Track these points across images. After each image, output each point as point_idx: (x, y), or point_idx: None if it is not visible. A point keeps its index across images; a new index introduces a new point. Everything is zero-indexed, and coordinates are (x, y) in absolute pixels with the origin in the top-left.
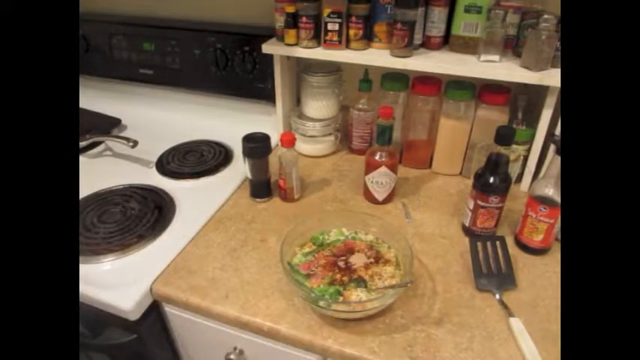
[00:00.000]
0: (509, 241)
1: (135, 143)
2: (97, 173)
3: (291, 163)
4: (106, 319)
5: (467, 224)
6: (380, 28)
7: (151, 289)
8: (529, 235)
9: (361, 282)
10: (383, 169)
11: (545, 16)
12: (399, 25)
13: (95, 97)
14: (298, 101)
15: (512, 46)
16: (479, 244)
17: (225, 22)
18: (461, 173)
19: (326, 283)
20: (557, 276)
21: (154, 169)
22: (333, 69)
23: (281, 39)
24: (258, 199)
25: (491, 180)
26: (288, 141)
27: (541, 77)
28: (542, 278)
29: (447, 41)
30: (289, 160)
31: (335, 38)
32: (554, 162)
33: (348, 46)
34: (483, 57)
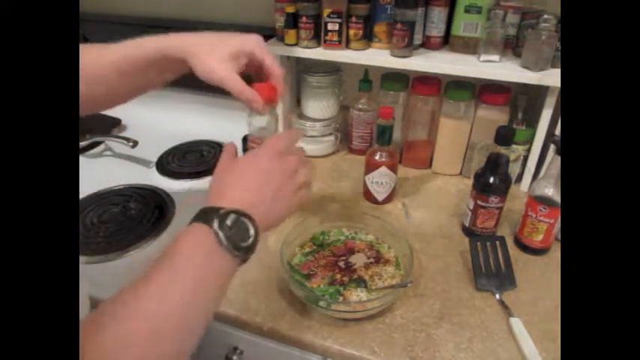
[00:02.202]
0: (509, 241)
1: (135, 143)
2: (97, 173)
3: (272, 128)
4: None
5: (467, 224)
6: (380, 28)
7: None
8: (529, 235)
9: (361, 282)
10: (383, 169)
11: (545, 16)
12: (399, 25)
13: None
14: (298, 101)
15: (512, 46)
16: (479, 244)
17: (225, 22)
18: (461, 173)
19: (326, 283)
20: (557, 276)
21: (154, 169)
22: (333, 69)
23: (281, 39)
24: None
25: (491, 180)
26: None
27: (541, 77)
28: (542, 278)
29: (447, 41)
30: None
31: (335, 38)
32: (554, 162)
33: (348, 46)
34: (483, 57)
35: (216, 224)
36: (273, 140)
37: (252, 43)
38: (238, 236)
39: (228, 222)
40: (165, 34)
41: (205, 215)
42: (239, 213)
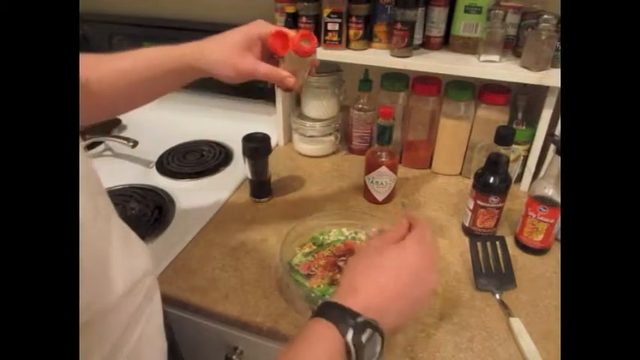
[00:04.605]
0: (509, 241)
1: (135, 143)
2: (97, 173)
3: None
4: None
5: (467, 224)
6: (380, 28)
7: None
8: (529, 235)
9: None
10: (383, 169)
11: (545, 16)
12: (399, 25)
13: None
14: (298, 101)
15: (512, 46)
16: (479, 244)
17: (225, 23)
18: (461, 173)
19: (326, 283)
20: (557, 276)
21: (154, 169)
22: (333, 69)
23: None
24: (258, 199)
25: (491, 180)
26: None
27: (541, 77)
28: (542, 278)
29: (447, 41)
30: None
31: (335, 38)
32: (554, 162)
33: (348, 46)
34: (483, 57)
35: (350, 335)
36: (421, 232)
37: (256, 27)
38: (367, 355)
39: (364, 338)
40: (169, 46)
41: (339, 317)
42: (374, 327)
